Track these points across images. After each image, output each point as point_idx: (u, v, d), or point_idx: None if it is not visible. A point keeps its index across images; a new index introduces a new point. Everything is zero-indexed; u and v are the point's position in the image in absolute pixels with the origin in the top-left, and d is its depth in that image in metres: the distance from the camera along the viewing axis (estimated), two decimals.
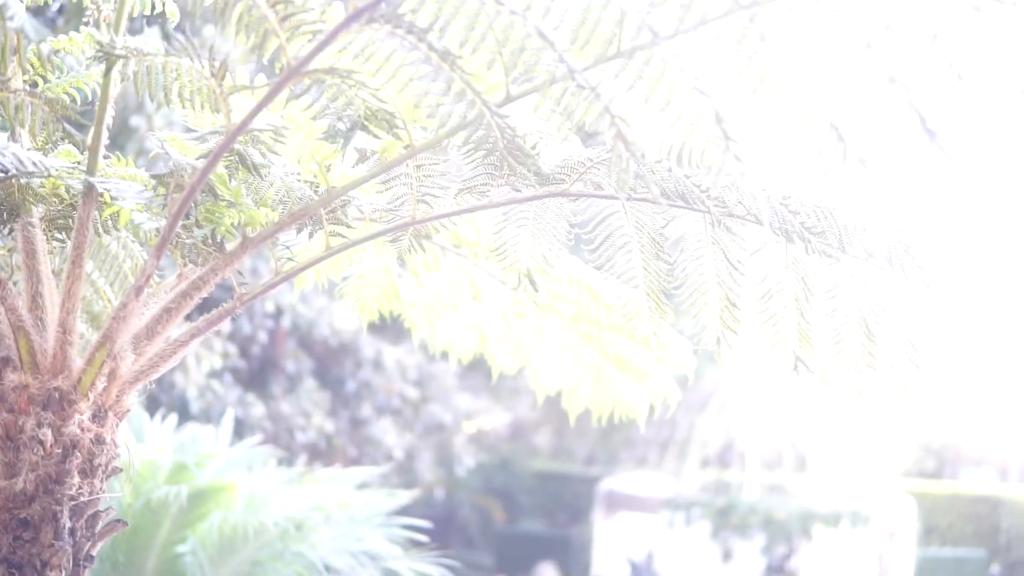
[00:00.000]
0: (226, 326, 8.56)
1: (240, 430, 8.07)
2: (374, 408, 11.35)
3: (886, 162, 1.52)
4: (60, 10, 5.97)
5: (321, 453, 10.41)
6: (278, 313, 9.52)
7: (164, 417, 5.86)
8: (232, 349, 8.65)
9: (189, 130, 2.50)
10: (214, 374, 8.62)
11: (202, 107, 2.16)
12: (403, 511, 6.23)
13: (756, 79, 1.60)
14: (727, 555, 14.98)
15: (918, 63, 1.48)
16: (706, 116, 1.56)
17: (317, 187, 2.38)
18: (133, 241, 2.71)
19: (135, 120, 6.72)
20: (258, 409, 9.23)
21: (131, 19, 2.37)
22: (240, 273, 2.44)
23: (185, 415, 7.32)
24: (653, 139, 1.87)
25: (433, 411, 12.35)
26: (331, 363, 11.07)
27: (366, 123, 2.12)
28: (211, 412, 8.11)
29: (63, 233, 2.47)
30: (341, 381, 11.09)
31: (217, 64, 2.09)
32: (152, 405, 7.29)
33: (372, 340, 11.11)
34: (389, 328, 11.70)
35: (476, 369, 14.04)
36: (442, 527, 14.55)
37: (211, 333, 8.11)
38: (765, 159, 1.72)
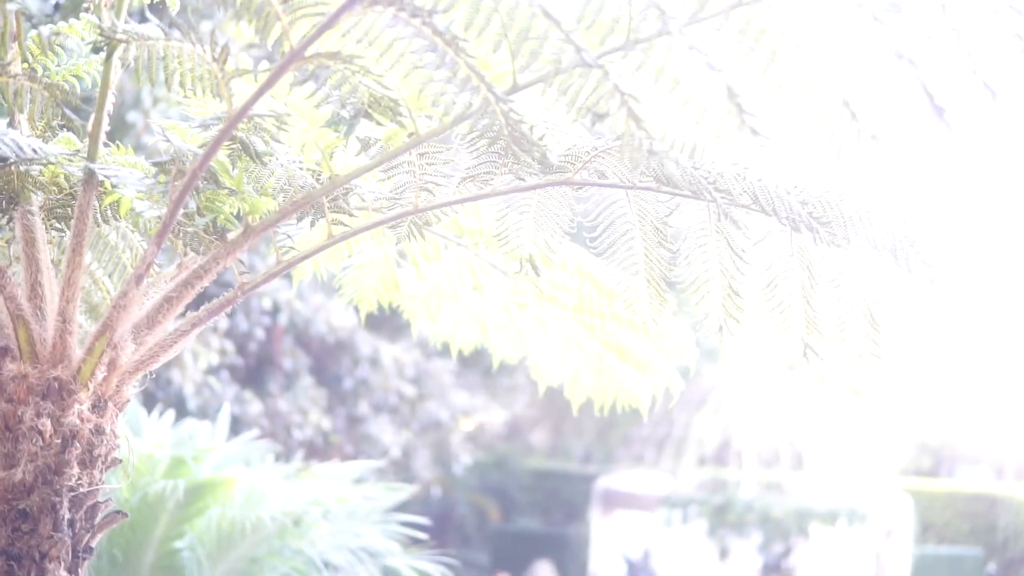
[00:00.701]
0: (223, 323, 8.54)
1: (237, 427, 8.04)
2: (371, 405, 11.33)
3: (896, 142, 1.50)
4: (57, 6, 5.93)
5: (318, 450, 10.39)
6: (275, 310, 9.49)
7: (161, 413, 5.83)
8: (229, 346, 8.61)
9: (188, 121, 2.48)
10: (211, 371, 8.59)
11: (204, 93, 2.14)
12: (400, 508, 6.21)
13: (766, 59, 1.58)
14: (724, 553, 14.98)
15: (925, 39, 1.47)
16: (717, 93, 1.54)
17: (319, 175, 2.36)
18: (132, 231, 2.69)
19: (132, 116, 6.69)
20: (255, 406, 9.21)
21: (130, 15, 2.34)
22: (241, 262, 2.42)
23: (182, 412, 7.28)
24: (662, 130, 1.85)
25: (430, 408, 12.33)
26: (328, 360, 11.04)
27: (370, 110, 2.10)
28: (208, 409, 8.08)
29: (62, 223, 2.45)
30: (338, 378, 11.07)
31: (219, 48, 2.07)
32: (149, 402, 7.26)
33: (369, 337, 11.09)
34: (386, 325, 11.70)
35: (473, 366, 14.04)
36: (439, 525, 14.55)
37: (208, 330, 8.08)
38: (775, 144, 1.70)
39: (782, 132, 1.74)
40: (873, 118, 1.52)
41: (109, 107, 2.27)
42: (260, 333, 9.36)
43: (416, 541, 6.12)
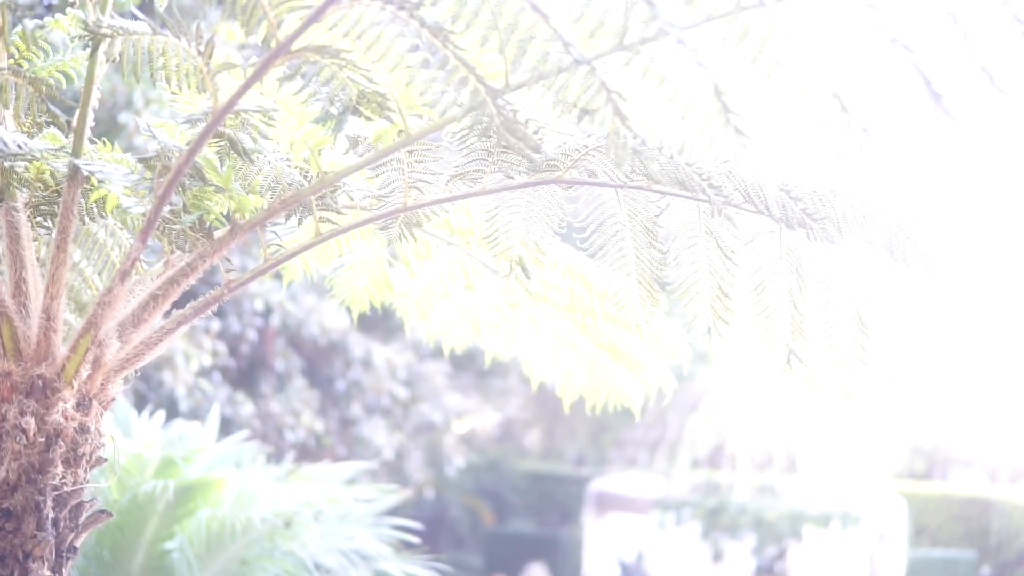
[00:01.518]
0: (215, 324, 8.51)
1: (229, 429, 8.01)
2: (364, 407, 11.30)
3: (894, 130, 1.48)
4: (49, 7, 5.91)
5: (310, 452, 10.36)
6: (267, 312, 9.46)
7: (152, 414, 5.80)
8: (221, 348, 8.58)
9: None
10: (203, 373, 8.56)
11: (190, 88, 2.12)
12: (392, 511, 6.18)
13: (756, 49, 1.56)
14: (717, 556, 14.97)
15: (921, 23, 1.45)
16: (703, 90, 1.53)
17: (307, 173, 2.34)
18: (121, 229, 2.67)
19: (123, 117, 6.66)
20: (247, 408, 9.18)
21: (120, 14, 2.32)
22: (228, 260, 2.40)
23: (173, 414, 7.25)
24: (651, 128, 1.83)
25: (423, 410, 12.30)
26: (321, 362, 11.01)
27: (358, 106, 2.09)
28: (200, 411, 8.05)
29: (48, 220, 2.43)
30: (331, 380, 11.04)
31: (204, 43, 2.05)
32: (140, 403, 7.23)
33: (362, 339, 11.06)
34: (379, 327, 11.67)
35: (466, 368, 14.01)
36: (432, 527, 14.52)
37: (200, 332, 8.03)
38: (765, 140, 1.69)
39: (774, 127, 1.72)
40: (867, 108, 1.50)
41: (94, 103, 2.25)
42: (252, 335, 9.33)
43: (408, 544, 6.08)
